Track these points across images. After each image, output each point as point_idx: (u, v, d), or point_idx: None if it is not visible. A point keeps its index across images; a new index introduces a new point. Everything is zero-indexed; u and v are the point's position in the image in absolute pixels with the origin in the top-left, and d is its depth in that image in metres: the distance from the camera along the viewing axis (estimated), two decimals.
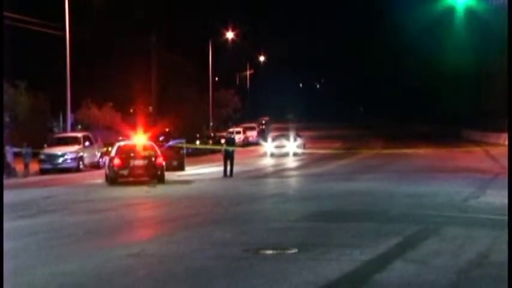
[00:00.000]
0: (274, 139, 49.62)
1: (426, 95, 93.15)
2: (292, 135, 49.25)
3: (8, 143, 37.17)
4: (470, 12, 54.68)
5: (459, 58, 68.42)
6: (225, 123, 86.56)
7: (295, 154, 46.24)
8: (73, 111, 49.30)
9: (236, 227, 15.28)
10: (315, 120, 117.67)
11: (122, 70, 61.08)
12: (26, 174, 35.64)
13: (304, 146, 49.73)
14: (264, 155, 48.40)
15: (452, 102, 79.47)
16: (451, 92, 79.14)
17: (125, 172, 28.19)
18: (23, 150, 36.59)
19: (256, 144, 63.04)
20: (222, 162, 31.86)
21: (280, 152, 46.52)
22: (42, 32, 45.23)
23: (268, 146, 48.53)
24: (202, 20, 76.90)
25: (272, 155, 46.54)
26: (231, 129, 66.88)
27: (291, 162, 41.25)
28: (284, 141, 47.96)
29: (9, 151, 36.04)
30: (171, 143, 38.31)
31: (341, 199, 20.36)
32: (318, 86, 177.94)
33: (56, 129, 57.33)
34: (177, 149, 36.87)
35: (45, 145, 39.49)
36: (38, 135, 46.07)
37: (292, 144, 47.43)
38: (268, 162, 42.70)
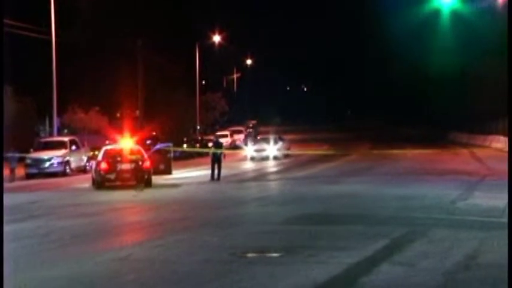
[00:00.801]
0: (255, 143, 49.07)
1: (413, 98, 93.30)
2: (272, 138, 48.48)
3: None
4: (456, 15, 54.92)
5: (446, 61, 68.58)
6: (212, 126, 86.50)
7: (275, 158, 45.44)
8: (59, 115, 49.12)
9: (223, 230, 15.27)
10: (302, 123, 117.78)
11: (109, 74, 60.86)
12: (12, 179, 35.42)
13: (288, 149, 48.85)
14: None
15: (439, 105, 79.69)
16: (438, 94, 79.34)
17: (112, 176, 28.08)
18: (9, 155, 36.35)
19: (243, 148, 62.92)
20: (209, 166, 31.83)
21: (260, 156, 45.67)
22: (28, 36, 45.02)
23: (249, 149, 47.74)
24: (189, 24, 76.84)
25: (252, 158, 45.82)
26: (218, 133, 66.79)
27: (277, 166, 41.22)
28: (264, 145, 47.07)
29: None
30: (158, 146, 38.18)
31: (328, 202, 20.37)
32: (305, 89, 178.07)
33: (42, 134, 57.10)
34: (164, 153, 36.75)
35: (32, 149, 39.26)
36: (24, 139, 45.80)
37: (273, 148, 46.56)
38: (255, 165, 42.64)
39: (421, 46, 77.14)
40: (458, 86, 73.80)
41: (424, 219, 15.94)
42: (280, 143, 47.89)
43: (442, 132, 68.61)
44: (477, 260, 11.21)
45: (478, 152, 44.86)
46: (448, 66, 69.38)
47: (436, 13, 55.56)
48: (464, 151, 47.14)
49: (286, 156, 46.73)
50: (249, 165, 42.88)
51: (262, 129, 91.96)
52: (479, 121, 57.72)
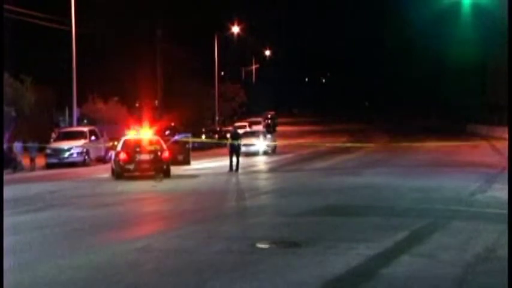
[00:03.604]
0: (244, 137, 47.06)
1: (432, 89, 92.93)
2: (261, 132, 46.72)
3: (16, 137, 37.28)
4: (476, 5, 54.55)
5: (465, 52, 68.26)
6: (231, 117, 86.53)
7: (265, 153, 43.50)
8: (79, 105, 49.32)
9: (242, 221, 15.29)
10: (320, 114, 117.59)
11: (128, 64, 61.08)
12: (32, 168, 35.69)
13: (274, 142, 46.41)
14: None
15: (458, 96, 79.29)
16: (457, 86, 78.96)
17: (131, 166, 28.18)
18: (29, 145, 36.65)
19: None
20: (227, 157, 31.85)
21: (248, 151, 42.22)
22: (48, 27, 45.24)
23: None
24: (209, 14, 76.85)
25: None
26: (237, 124, 66.82)
27: (295, 157, 41.14)
28: (253, 139, 44.32)
29: (17, 146, 36.12)
30: (176, 137, 38.23)
31: (347, 193, 20.33)
32: (323, 81, 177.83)
33: (62, 124, 57.39)
34: (182, 143, 36.80)
35: (51, 139, 39.49)
36: (44, 129, 46.08)
37: (262, 143, 44.12)
38: (273, 156, 42.53)
39: (440, 37, 76.79)
40: (478, 77, 73.41)
41: (443, 211, 15.89)
42: (269, 137, 46.12)
43: (462, 124, 68.22)
44: (497, 253, 11.16)
45: (498, 144, 44.56)
46: (467, 58, 69.01)
47: (457, 4, 55.19)
48: (484, 143, 46.84)
49: (273, 150, 44.75)
50: (268, 156, 42.72)
51: (280, 120, 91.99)
52: (499, 113, 57.33)
